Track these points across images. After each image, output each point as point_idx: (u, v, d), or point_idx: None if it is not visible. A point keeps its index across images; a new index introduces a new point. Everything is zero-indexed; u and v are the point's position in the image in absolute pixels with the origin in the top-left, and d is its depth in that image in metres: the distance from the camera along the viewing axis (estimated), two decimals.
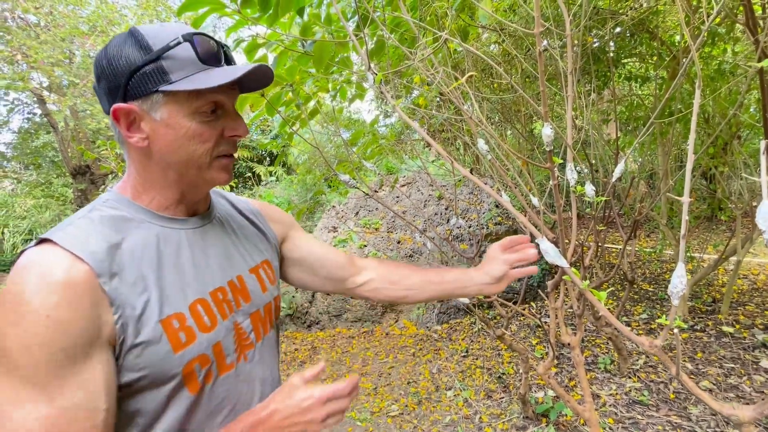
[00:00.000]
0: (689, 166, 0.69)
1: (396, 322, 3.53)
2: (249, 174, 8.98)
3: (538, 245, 0.80)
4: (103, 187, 7.72)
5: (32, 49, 5.91)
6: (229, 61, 0.57)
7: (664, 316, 0.68)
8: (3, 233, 8.78)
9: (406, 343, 3.16)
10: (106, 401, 0.45)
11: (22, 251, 0.46)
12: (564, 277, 0.84)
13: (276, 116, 1.53)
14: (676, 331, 0.64)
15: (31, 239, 9.02)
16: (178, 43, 0.50)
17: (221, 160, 0.57)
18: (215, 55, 0.54)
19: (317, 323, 3.69)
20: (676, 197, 0.69)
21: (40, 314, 0.42)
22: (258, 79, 0.58)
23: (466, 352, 2.85)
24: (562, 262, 0.79)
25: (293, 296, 3.82)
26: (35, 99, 7.14)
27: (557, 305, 1.56)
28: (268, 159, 9.95)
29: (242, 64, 0.57)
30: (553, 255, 0.78)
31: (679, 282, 0.64)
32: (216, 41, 0.55)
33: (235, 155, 0.62)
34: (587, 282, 0.77)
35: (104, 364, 0.45)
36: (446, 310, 3.36)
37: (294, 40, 1.41)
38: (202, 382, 0.54)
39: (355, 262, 0.84)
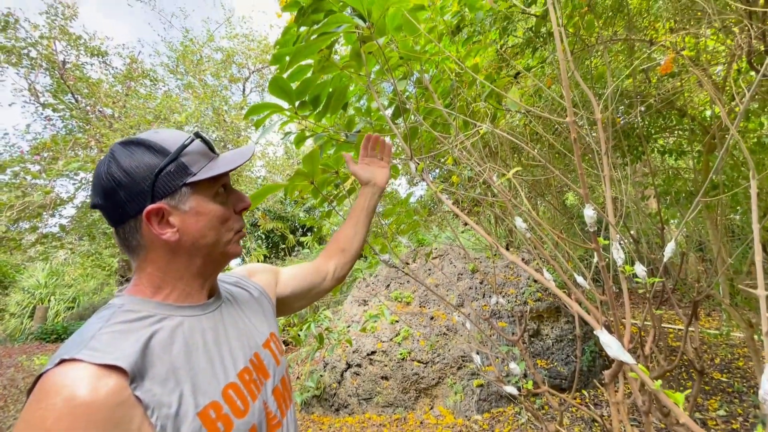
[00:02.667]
0: (758, 257, 0.65)
1: (431, 409, 3.24)
2: (283, 245, 9.25)
3: (598, 337, 0.74)
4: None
5: (105, 136, 6.79)
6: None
7: (759, 427, 0.59)
8: (50, 301, 9.23)
9: None
10: None
11: (43, 372, 0.44)
12: (630, 374, 0.76)
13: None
14: None
15: (73, 307, 9.41)
16: (192, 140, 0.57)
17: (238, 234, 0.63)
18: (212, 145, 0.62)
19: (346, 407, 3.44)
20: (751, 290, 0.63)
21: None
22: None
23: None
24: (627, 358, 0.72)
25: (321, 375, 3.65)
26: None
27: (618, 399, 1.38)
28: (300, 230, 10.29)
29: (232, 151, 0.64)
30: (615, 349, 0.72)
31: None
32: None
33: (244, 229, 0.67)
34: (659, 383, 0.69)
35: None
36: (487, 398, 3.06)
37: (337, 129, 1.55)
38: None
39: (320, 265, 0.93)
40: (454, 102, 1.87)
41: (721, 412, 2.42)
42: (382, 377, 3.41)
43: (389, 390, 3.34)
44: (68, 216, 9.90)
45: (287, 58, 0.92)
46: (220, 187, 0.60)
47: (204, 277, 0.61)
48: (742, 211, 2.70)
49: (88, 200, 9.60)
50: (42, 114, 7.76)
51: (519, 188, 1.20)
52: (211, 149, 0.61)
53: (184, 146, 0.56)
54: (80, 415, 0.41)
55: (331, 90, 1.20)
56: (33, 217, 7.91)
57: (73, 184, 8.74)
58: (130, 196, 0.53)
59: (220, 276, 0.76)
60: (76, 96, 7.62)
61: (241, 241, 0.66)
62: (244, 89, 10.14)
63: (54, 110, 7.63)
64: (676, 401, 0.68)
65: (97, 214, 9.96)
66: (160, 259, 0.56)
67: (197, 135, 0.59)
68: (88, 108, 7.69)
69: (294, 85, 1.06)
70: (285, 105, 1.02)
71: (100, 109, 7.66)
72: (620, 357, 0.72)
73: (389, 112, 1.77)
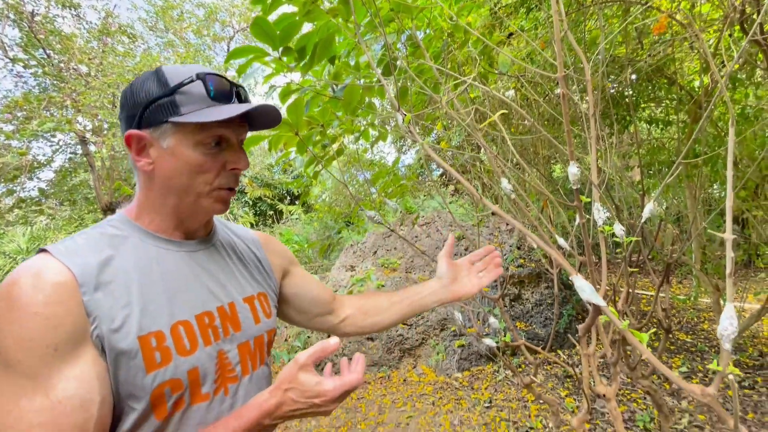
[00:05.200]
0: (729, 203, 0.67)
1: (414, 367, 3.38)
2: (271, 212, 9.19)
3: (573, 283, 0.77)
4: None
5: (82, 95, 6.47)
6: (243, 100, 0.60)
7: (715, 361, 0.63)
8: None
9: (424, 391, 3.00)
10: (99, 392, 0.46)
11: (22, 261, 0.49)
12: (601, 318, 0.81)
13: (298, 157, 1.60)
14: (731, 377, 0.60)
15: None
16: (192, 81, 0.55)
17: (220, 192, 0.59)
18: (226, 93, 0.57)
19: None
20: (718, 233, 0.66)
21: (29, 312, 0.44)
22: (267, 118, 0.62)
23: (490, 402, 2.67)
24: (598, 300, 0.75)
25: (308, 336, 3.74)
26: (78, 140, 7.70)
27: (590, 351, 1.46)
28: (288, 197, 10.22)
29: (252, 103, 0.59)
30: (588, 293, 0.75)
31: (729, 324, 0.60)
32: (230, 82, 0.58)
33: (236, 189, 0.64)
34: (627, 322, 0.73)
35: (94, 358, 0.47)
36: (467, 357, 3.21)
37: (325, 85, 1.50)
38: (171, 409, 0.52)
39: (336, 298, 0.86)
40: (446, 62, 1.83)
41: (683, 369, 2.60)
42: (367, 338, 3.52)
43: (374, 350, 3.46)
44: (47, 179, 9.58)
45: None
46: (212, 138, 0.56)
47: (179, 218, 0.60)
48: (721, 182, 2.77)
49: (66, 164, 9.28)
50: (12, 70, 7.30)
51: (501, 150, 1.20)
52: (212, 97, 0.56)
53: (182, 84, 0.54)
54: (42, 290, 0.46)
55: (317, 40, 1.16)
56: (9, 180, 7.63)
57: (51, 146, 8.40)
58: (127, 117, 0.56)
59: (240, 231, 0.75)
60: (48, 51, 7.16)
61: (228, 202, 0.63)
62: (228, 50, 9.69)
63: (25, 66, 7.17)
64: (641, 340, 0.73)
65: (78, 178, 9.66)
66: (142, 186, 0.59)
67: (200, 77, 0.55)
68: (62, 65, 7.25)
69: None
70: (269, 51, 0.98)
71: (75, 66, 7.24)
72: (592, 300, 0.76)
73: (378, 71, 1.73)
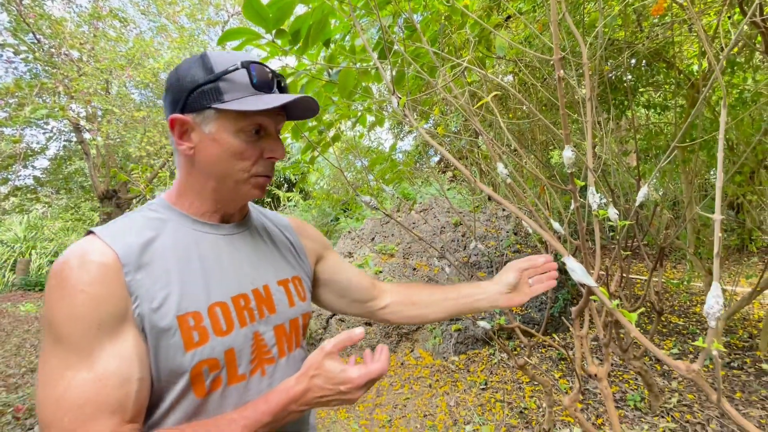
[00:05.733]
0: (719, 183, 0.68)
1: (411, 351, 3.44)
2: (269, 199, 9.18)
3: (564, 264, 0.79)
4: (127, 210, 8.02)
5: (74, 81, 6.36)
6: (282, 90, 0.61)
7: (701, 338, 0.65)
8: (31, 254, 9.09)
9: (421, 374, 3.05)
10: (139, 371, 0.48)
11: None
12: (592, 298, 0.82)
13: (294, 144, 1.59)
14: (715, 353, 0.61)
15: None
16: (236, 69, 0.55)
17: (258, 178, 0.61)
18: (268, 83, 0.58)
19: None
20: (708, 215, 0.67)
21: (76, 290, 0.47)
22: (304, 109, 0.63)
23: (485, 384, 2.73)
24: (590, 281, 0.77)
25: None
26: (72, 128, 7.61)
27: (582, 333, 1.49)
28: (285, 184, 10.19)
29: (292, 94, 0.61)
30: (580, 273, 0.77)
31: (715, 302, 0.62)
32: (272, 71, 0.59)
33: (272, 177, 0.65)
34: (616, 302, 0.75)
35: (135, 338, 0.49)
36: (464, 340, 3.26)
37: (320, 69, 1.49)
38: (210, 387, 0.54)
39: (377, 285, 0.86)
40: (442, 46, 1.81)
41: (675, 351, 2.65)
42: (365, 323, 3.56)
43: (372, 335, 3.51)
44: (41, 168, 9.50)
45: None
46: (253, 126, 0.57)
47: (218, 202, 0.61)
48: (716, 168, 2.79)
49: (61, 152, 9.19)
50: (1, 56, 7.16)
51: (498, 136, 1.20)
52: (255, 86, 0.57)
53: (226, 72, 0.55)
54: (88, 270, 0.48)
55: (311, 22, 1.14)
56: (3, 168, 7.57)
57: (44, 133, 8.31)
58: (172, 101, 0.57)
59: (274, 217, 0.76)
60: (37, 36, 7.00)
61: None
62: None
63: (15, 52, 7.02)
64: (630, 319, 0.74)
65: (73, 166, 9.58)
66: (183, 168, 0.60)
67: (244, 65, 0.56)
68: (53, 50, 7.10)
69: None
70: (263, 33, 0.97)
71: (66, 52, 7.09)
72: (583, 281, 0.77)
73: (374, 55, 1.71)
